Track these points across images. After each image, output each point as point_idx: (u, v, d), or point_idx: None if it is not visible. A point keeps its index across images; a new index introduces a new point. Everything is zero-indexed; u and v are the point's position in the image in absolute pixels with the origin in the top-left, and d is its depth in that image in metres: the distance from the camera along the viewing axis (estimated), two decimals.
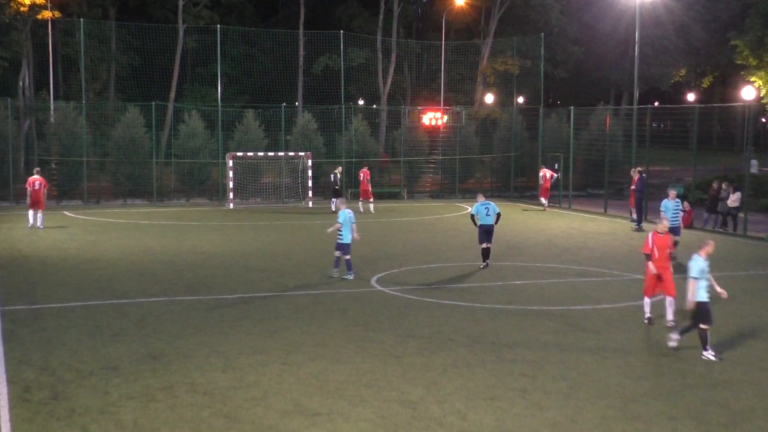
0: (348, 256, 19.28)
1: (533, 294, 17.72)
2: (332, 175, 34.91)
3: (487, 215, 20.78)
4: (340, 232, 19.21)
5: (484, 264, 20.85)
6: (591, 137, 40.28)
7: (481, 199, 21.30)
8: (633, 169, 31.06)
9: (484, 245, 20.84)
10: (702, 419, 10.15)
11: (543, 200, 36.61)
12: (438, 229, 29.19)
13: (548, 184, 36.37)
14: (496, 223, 20.98)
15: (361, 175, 34.76)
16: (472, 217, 21.25)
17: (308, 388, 11.14)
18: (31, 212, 28.28)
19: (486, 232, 20.83)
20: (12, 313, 15.45)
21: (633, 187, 30.21)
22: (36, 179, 28.39)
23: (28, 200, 28.30)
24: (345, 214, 19.25)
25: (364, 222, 31.20)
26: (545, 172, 36.63)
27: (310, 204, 37.71)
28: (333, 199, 34.30)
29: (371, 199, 34.75)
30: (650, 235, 14.93)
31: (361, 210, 33.78)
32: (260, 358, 12.58)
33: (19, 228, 27.79)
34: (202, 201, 39.70)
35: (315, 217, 33.11)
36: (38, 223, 28.02)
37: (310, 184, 38.14)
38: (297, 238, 26.71)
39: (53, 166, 38.44)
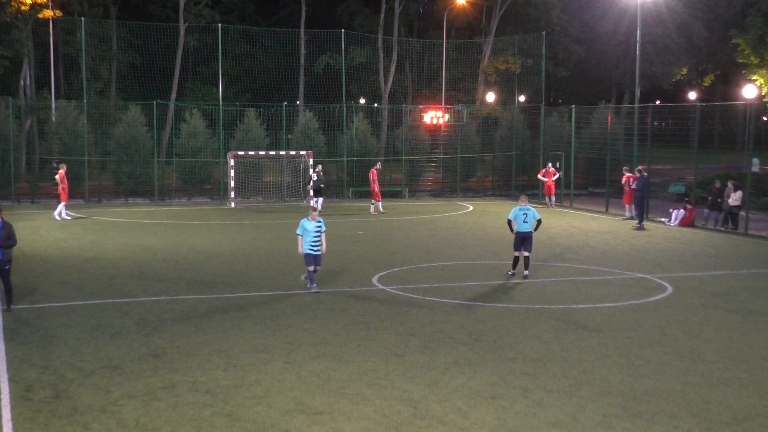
0: (311, 267, 17.47)
1: (534, 292, 17.71)
2: (315, 174, 34.01)
3: (524, 222, 19.05)
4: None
5: (512, 272, 19.43)
6: (592, 136, 40.26)
7: (523, 202, 19.42)
8: (624, 168, 32.18)
9: (517, 253, 19.25)
10: (703, 417, 10.15)
11: (553, 198, 36.54)
12: (439, 228, 29.18)
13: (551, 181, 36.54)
14: (535, 230, 19.26)
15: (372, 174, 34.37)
16: (509, 222, 19.45)
17: (310, 387, 11.15)
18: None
19: (522, 240, 19.12)
20: (13, 312, 15.47)
21: (625, 185, 31.26)
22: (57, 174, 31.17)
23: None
24: (306, 224, 17.44)
25: (367, 221, 31.24)
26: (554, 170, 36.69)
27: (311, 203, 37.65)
28: (315, 199, 33.28)
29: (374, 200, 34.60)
30: None
31: (374, 211, 33.70)
32: (262, 356, 12.58)
33: (20, 227, 27.66)
34: (204, 200, 39.69)
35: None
36: (63, 215, 30.49)
37: (311, 183, 38.01)
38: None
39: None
